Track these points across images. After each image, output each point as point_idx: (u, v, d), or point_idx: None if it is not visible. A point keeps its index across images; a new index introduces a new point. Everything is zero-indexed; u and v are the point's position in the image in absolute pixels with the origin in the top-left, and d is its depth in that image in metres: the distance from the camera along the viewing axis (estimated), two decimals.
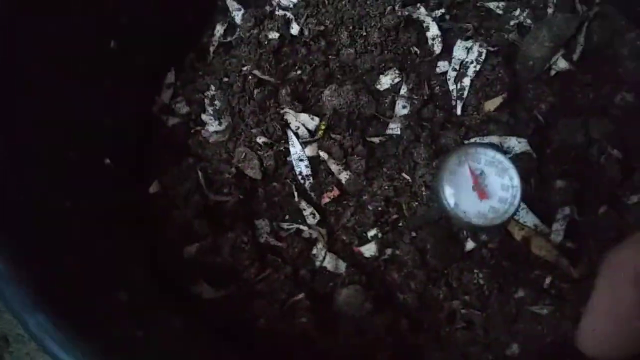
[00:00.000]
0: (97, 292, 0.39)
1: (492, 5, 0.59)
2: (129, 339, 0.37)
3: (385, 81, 0.56)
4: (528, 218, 0.50)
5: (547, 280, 0.49)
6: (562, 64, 0.56)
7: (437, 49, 0.57)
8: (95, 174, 0.48)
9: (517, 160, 0.51)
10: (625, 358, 0.26)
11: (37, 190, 0.40)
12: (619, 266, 0.26)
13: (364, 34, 0.57)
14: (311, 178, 0.53)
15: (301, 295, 0.48)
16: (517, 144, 0.52)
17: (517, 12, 0.58)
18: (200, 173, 0.53)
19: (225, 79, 0.57)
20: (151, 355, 0.38)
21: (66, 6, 0.45)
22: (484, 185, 0.44)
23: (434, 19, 0.58)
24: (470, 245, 0.50)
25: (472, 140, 0.53)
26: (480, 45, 0.56)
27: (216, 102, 0.56)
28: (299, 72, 0.57)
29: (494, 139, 0.53)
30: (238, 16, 0.59)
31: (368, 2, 0.58)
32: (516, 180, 0.44)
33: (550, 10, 0.57)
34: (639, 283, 0.25)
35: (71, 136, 0.45)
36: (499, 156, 0.44)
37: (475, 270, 0.49)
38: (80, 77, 0.47)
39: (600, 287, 0.27)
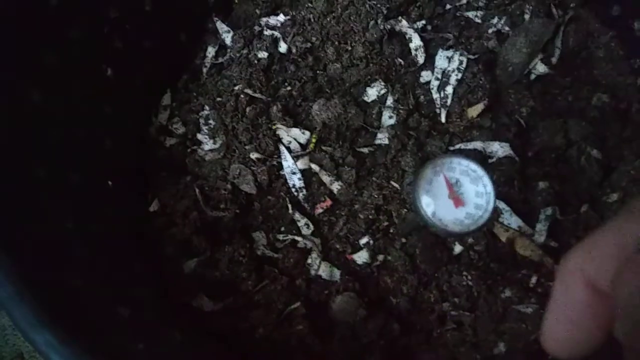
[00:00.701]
0: (100, 308, 0.40)
1: (470, 14, 0.60)
2: (131, 351, 0.39)
3: (372, 93, 0.58)
4: (512, 220, 0.52)
5: (533, 280, 0.50)
6: (541, 68, 0.57)
7: (421, 59, 0.59)
8: (96, 195, 0.50)
9: (500, 164, 0.53)
10: (583, 357, 0.28)
11: (40, 212, 0.41)
12: (571, 269, 0.27)
13: (349, 48, 0.59)
14: (304, 190, 0.55)
15: (297, 304, 0.50)
16: (499, 148, 0.54)
17: (495, 20, 0.59)
18: (197, 190, 0.54)
19: (219, 99, 0.58)
20: None
21: (63, 33, 0.47)
22: (459, 194, 0.45)
23: (416, 30, 0.59)
24: (458, 248, 0.52)
25: (457, 146, 0.55)
26: (461, 54, 0.57)
27: (210, 121, 0.58)
28: (288, 88, 0.58)
29: (478, 144, 0.54)
30: (228, 38, 0.61)
31: (352, 18, 0.60)
32: (489, 187, 0.45)
33: (527, 17, 0.58)
34: (589, 285, 0.27)
35: (73, 158, 0.47)
36: (473, 165, 0.46)
37: (464, 273, 0.51)
38: (80, 102, 0.49)
39: (556, 290, 0.28)
